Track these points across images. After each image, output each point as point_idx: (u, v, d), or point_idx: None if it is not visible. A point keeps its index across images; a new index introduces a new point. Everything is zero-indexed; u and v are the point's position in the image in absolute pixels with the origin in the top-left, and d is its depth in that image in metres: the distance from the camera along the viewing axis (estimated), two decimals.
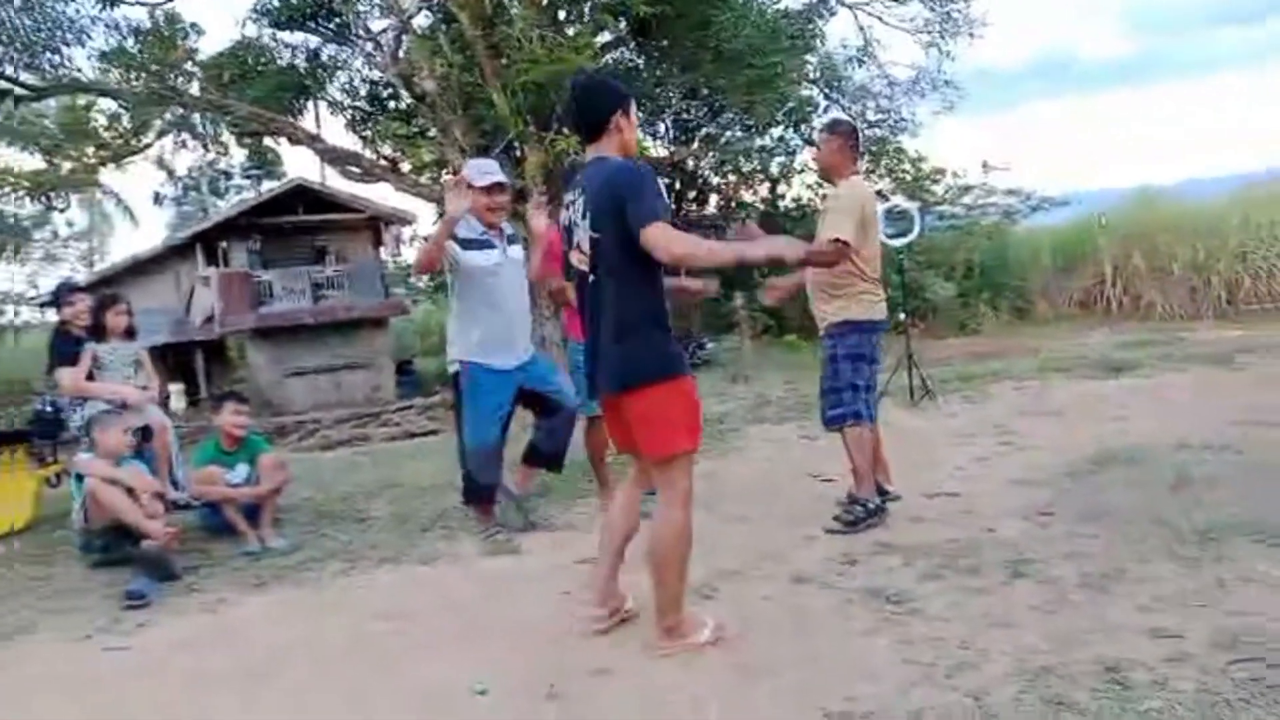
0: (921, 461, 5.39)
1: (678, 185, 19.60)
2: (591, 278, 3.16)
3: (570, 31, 14.84)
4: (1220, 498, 4.29)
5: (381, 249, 23.56)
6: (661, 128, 19.54)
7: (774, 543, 4.30)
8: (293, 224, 21.88)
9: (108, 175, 21.79)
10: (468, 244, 4.60)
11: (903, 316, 8.80)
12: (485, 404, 4.65)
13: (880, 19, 18.10)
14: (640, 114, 18.13)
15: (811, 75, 18.57)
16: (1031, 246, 19.85)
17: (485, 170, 4.74)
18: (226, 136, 19.04)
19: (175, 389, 20.10)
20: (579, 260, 3.21)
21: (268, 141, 19.49)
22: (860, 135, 4.83)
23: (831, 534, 4.36)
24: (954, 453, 5.77)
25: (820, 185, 20.01)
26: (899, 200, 10.36)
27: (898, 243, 8.19)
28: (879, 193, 15.95)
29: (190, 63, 16.61)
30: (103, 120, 17.45)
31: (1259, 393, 6.78)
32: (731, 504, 5.10)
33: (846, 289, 4.51)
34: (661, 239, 2.95)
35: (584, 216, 3.15)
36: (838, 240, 4.25)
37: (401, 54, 15.57)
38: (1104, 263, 18.37)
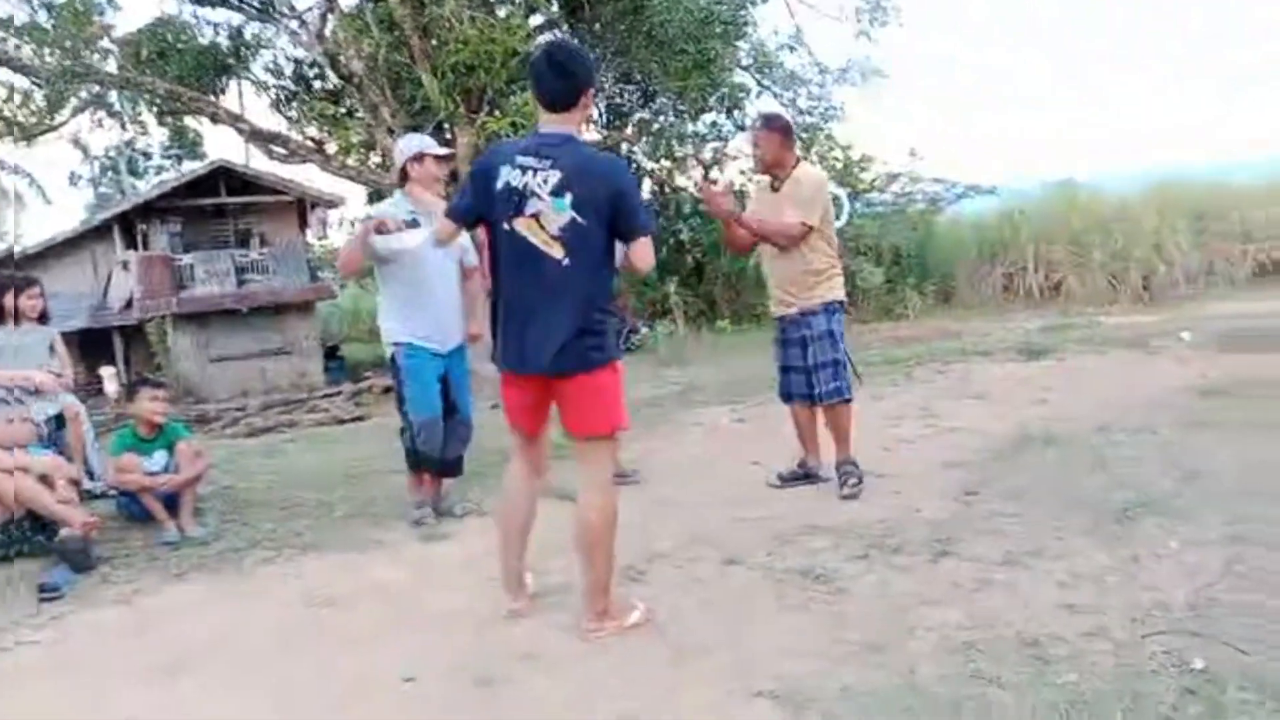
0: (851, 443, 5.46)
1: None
2: (565, 260, 3.04)
3: (501, 13, 14.68)
4: (1135, 478, 4.42)
5: (308, 232, 23.09)
6: (595, 111, 19.46)
7: (705, 525, 4.32)
8: (215, 206, 21.35)
9: (20, 154, 20.98)
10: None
11: None
12: (424, 378, 4.60)
13: (811, 6, 18.24)
14: None
15: (744, 62, 18.66)
16: (956, 234, 20.26)
17: (430, 143, 4.81)
18: (146, 115, 18.45)
19: (109, 372, 19.52)
20: (532, 231, 3.05)
21: (189, 121, 18.96)
22: (791, 129, 4.90)
23: (850, 498, 4.59)
24: (881, 435, 5.86)
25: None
26: (830, 187, 10.44)
27: None
28: None
29: (107, 39, 16.04)
30: (15, 98, 16.77)
31: (1173, 375, 7.00)
32: (664, 487, 5.12)
33: (828, 271, 4.72)
34: (649, 253, 3.15)
35: (556, 193, 3.01)
36: (805, 225, 4.56)
37: (328, 32, 15.25)
38: (1026, 250, 18.83)
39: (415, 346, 4.59)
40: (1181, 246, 18.00)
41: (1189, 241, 18.05)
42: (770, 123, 4.82)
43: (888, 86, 19.41)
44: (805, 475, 4.94)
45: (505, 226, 3.09)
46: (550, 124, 3.15)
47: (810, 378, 4.73)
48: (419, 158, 4.66)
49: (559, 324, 3.06)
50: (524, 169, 3.06)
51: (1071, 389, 6.84)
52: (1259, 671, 2.54)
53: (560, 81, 3.11)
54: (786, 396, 4.97)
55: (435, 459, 4.73)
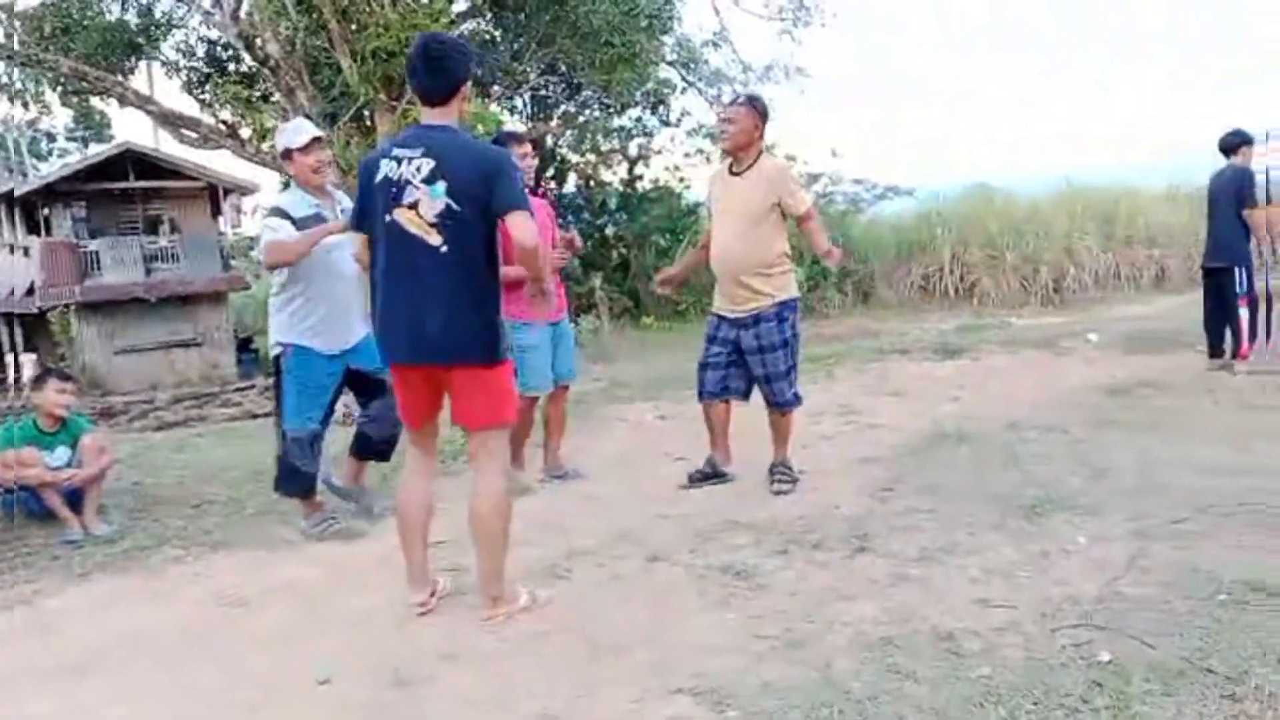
0: (770, 440, 5.50)
1: (536, 162, 19.45)
2: (443, 247, 3.05)
3: None
4: (1045, 475, 4.54)
5: (220, 219, 22.45)
6: (519, 103, 19.33)
7: (628, 521, 4.31)
8: (123, 190, 20.60)
9: None
10: (303, 224, 4.24)
11: None
12: (308, 387, 4.30)
13: (736, 3, 18.38)
14: (498, 88, 17.95)
15: (669, 57, 18.71)
16: (875, 234, 20.64)
17: (299, 130, 4.48)
18: (49, 95, 17.71)
19: (29, 358, 18.77)
20: (410, 220, 3.06)
21: (95, 102, 18.26)
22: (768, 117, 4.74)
23: (782, 494, 4.59)
24: (801, 432, 5.91)
25: (678, 169, 20.21)
26: None
27: None
28: None
29: (6, 13, 15.36)
30: None
31: (1081, 375, 7.23)
32: (587, 483, 5.09)
33: (780, 264, 4.61)
34: (527, 225, 3.05)
35: (430, 181, 3.04)
36: (811, 211, 4.58)
37: (243, 13, 14.83)
38: (943, 251, 19.29)
39: (304, 349, 4.28)
40: (1091, 250, 18.64)
41: (1099, 245, 18.70)
42: (753, 101, 4.71)
43: (811, 86, 19.59)
44: (714, 474, 4.88)
45: (386, 218, 3.11)
46: (429, 117, 3.18)
47: (756, 384, 4.70)
48: (287, 155, 4.39)
49: (442, 311, 3.09)
50: (399, 160, 3.09)
51: (984, 388, 7.02)
52: (1163, 663, 2.63)
53: (434, 77, 3.14)
54: (700, 394, 4.85)
55: (303, 480, 4.38)
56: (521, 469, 5.10)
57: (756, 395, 4.80)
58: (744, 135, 4.56)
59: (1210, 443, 4.91)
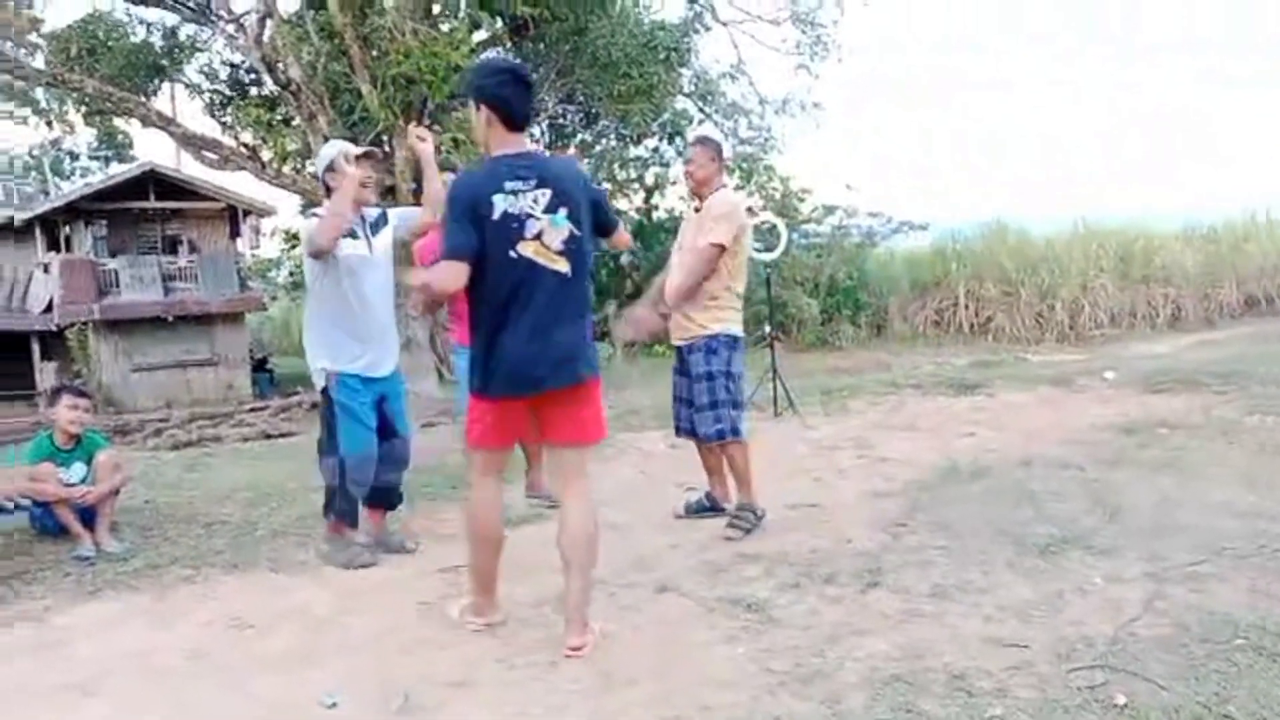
0: (783, 472, 5.49)
1: None
2: (568, 272, 3.14)
3: (445, 27, 14.62)
4: (1059, 513, 4.51)
5: (239, 240, 22.63)
6: (537, 131, 19.47)
7: (639, 550, 4.30)
8: (143, 210, 20.79)
9: None
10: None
11: (768, 330, 9.00)
12: (359, 410, 4.24)
13: (753, 37, 18.54)
14: None
15: (686, 89, 18.87)
16: (890, 268, 20.66)
17: (347, 147, 4.41)
18: (73, 115, 17.96)
19: (49, 366, 18.86)
20: (538, 252, 3.09)
21: (118, 122, 18.51)
22: (724, 150, 4.94)
23: (729, 540, 4.40)
24: (814, 464, 5.91)
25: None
26: (768, 216, 10.58)
27: (766, 257, 8.36)
28: (749, 209, 16.29)
29: (34, 33, 15.61)
30: None
31: (1097, 413, 7.18)
32: (600, 512, 5.07)
33: (720, 299, 4.55)
34: (628, 240, 3.47)
35: (551, 210, 3.09)
36: (714, 244, 4.42)
37: (266, 38, 15.02)
38: (957, 286, 19.28)
39: (350, 376, 4.22)
40: (1107, 289, 18.60)
41: (1114, 283, 18.66)
42: (704, 141, 4.86)
43: (827, 119, 19.78)
44: (711, 507, 4.84)
45: (511, 254, 3.07)
46: (509, 143, 3.16)
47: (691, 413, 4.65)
48: (330, 169, 4.26)
49: (569, 336, 3.18)
50: (515, 193, 3.08)
51: (999, 424, 6.98)
52: (1179, 707, 2.60)
53: (530, 99, 3.23)
54: (676, 429, 4.90)
55: (355, 505, 4.38)
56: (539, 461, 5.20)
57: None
58: (702, 171, 4.63)
59: (1227, 484, 4.86)
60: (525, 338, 3.12)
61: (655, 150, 20.35)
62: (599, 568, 3.98)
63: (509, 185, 3.08)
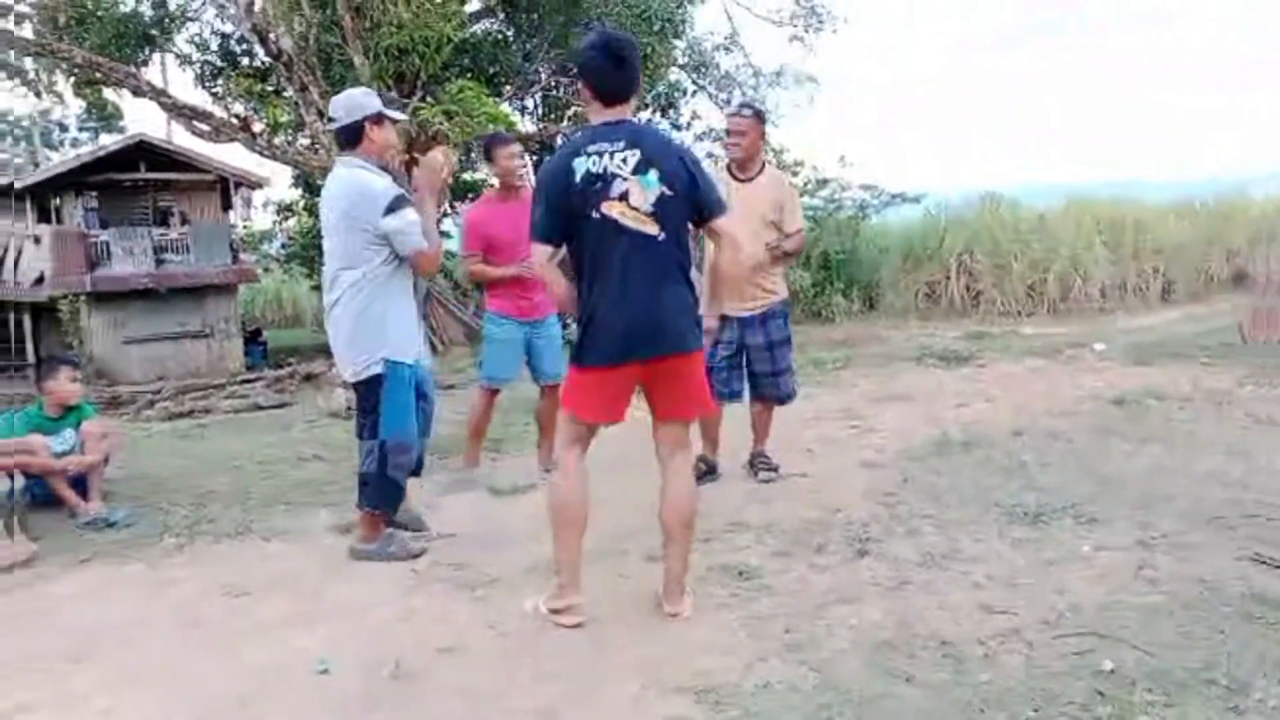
0: (776, 443, 5.49)
1: (525, 163, 19.48)
2: (660, 235, 3.01)
3: None
4: (1049, 482, 4.53)
5: (231, 212, 22.46)
6: (530, 103, 19.34)
7: (630, 522, 4.29)
8: (134, 182, 20.61)
9: None
10: (394, 206, 3.74)
11: None
12: (405, 397, 4.00)
13: (749, 9, 18.39)
14: (509, 88, 17.97)
15: (680, 60, 18.71)
16: (882, 241, 20.62)
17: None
18: (63, 85, 17.75)
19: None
20: (623, 212, 2.98)
21: (108, 93, 18.29)
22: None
23: (769, 483, 4.84)
24: (806, 435, 5.92)
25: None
26: None
27: None
28: None
29: (22, 2, 15.41)
30: None
31: (1086, 384, 7.20)
32: (590, 485, 5.07)
33: (780, 269, 4.89)
34: (734, 230, 3.29)
35: (640, 171, 2.97)
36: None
37: (257, 8, 14.84)
38: (949, 259, 19.27)
39: (406, 366, 3.96)
40: (1098, 262, 18.60)
41: (1106, 257, 18.67)
42: (755, 111, 4.77)
43: (822, 91, 19.63)
44: (706, 471, 4.86)
45: (595, 214, 2.99)
46: (605, 115, 3.08)
47: (763, 379, 4.91)
48: (378, 119, 3.87)
49: (666, 302, 3.04)
50: (599, 154, 3.00)
51: (990, 395, 6.99)
52: (1166, 673, 2.62)
53: (632, 72, 3.09)
54: (721, 396, 4.76)
55: (400, 493, 4.13)
56: (477, 465, 5.21)
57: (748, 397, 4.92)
58: (753, 145, 4.66)
59: (1216, 454, 4.88)
60: (616, 303, 3.03)
61: (649, 123, 20.22)
62: (590, 537, 4.00)
63: (591, 149, 3.01)
